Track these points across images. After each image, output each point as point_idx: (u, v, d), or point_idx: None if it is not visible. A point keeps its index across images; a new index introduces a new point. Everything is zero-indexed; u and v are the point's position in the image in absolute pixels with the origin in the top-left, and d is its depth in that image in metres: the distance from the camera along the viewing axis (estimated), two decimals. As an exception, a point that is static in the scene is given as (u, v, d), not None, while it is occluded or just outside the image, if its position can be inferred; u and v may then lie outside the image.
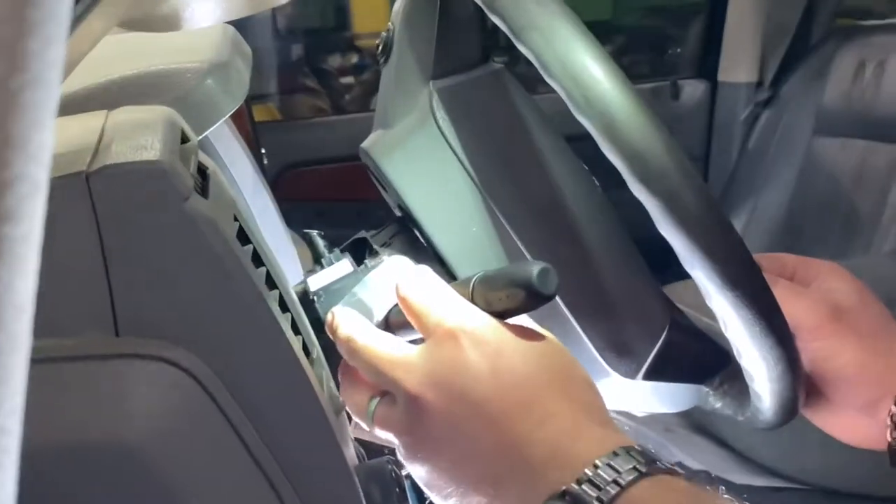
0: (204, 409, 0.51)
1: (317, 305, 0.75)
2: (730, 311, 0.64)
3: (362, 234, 0.83)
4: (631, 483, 0.51)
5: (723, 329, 0.68)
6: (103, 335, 0.51)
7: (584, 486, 0.52)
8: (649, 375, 0.79)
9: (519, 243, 0.77)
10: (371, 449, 0.73)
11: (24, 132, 0.21)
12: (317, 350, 0.69)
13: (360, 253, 0.82)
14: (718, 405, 0.83)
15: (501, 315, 0.62)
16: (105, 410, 0.49)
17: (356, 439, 0.70)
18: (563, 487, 0.52)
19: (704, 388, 0.83)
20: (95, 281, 0.51)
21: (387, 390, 0.63)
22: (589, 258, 0.79)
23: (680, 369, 0.81)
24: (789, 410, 0.73)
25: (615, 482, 0.51)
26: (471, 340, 0.59)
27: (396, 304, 0.68)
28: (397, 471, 0.63)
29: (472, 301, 0.63)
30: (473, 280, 0.63)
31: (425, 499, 0.64)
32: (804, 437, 1.98)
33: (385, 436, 0.63)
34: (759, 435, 2.16)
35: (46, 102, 0.21)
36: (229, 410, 0.52)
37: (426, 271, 0.66)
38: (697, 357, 0.82)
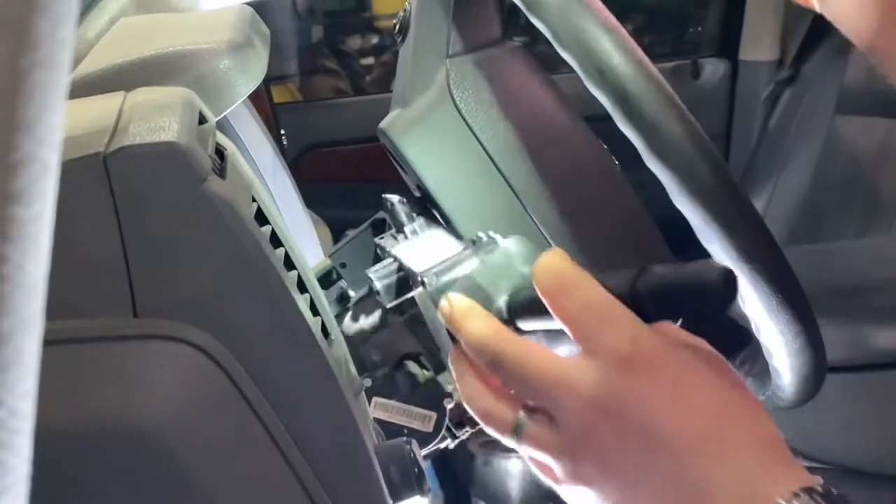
0: (222, 390, 0.51)
1: (427, 289, 0.72)
2: (747, 285, 0.64)
3: (381, 214, 0.83)
4: None
5: (741, 304, 0.67)
6: (122, 316, 0.51)
7: None
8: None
9: (536, 221, 0.77)
10: (389, 430, 0.73)
11: (34, 114, 0.21)
12: (335, 331, 0.69)
13: (380, 233, 0.82)
14: (739, 385, 0.83)
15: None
16: (124, 392, 0.49)
17: (375, 419, 0.70)
18: None
19: (725, 368, 0.83)
20: (113, 262, 0.51)
21: (538, 407, 0.58)
22: (607, 236, 0.78)
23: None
24: (810, 387, 0.73)
25: None
26: (646, 367, 0.55)
27: (520, 290, 0.63)
28: (416, 451, 0.63)
29: (629, 303, 0.56)
30: (636, 281, 0.57)
31: (445, 481, 0.64)
32: (826, 417, 1.98)
33: (533, 454, 0.58)
34: (781, 414, 2.14)
35: (56, 84, 0.21)
36: (247, 391, 0.52)
37: (562, 258, 0.58)
38: (718, 336, 0.82)
